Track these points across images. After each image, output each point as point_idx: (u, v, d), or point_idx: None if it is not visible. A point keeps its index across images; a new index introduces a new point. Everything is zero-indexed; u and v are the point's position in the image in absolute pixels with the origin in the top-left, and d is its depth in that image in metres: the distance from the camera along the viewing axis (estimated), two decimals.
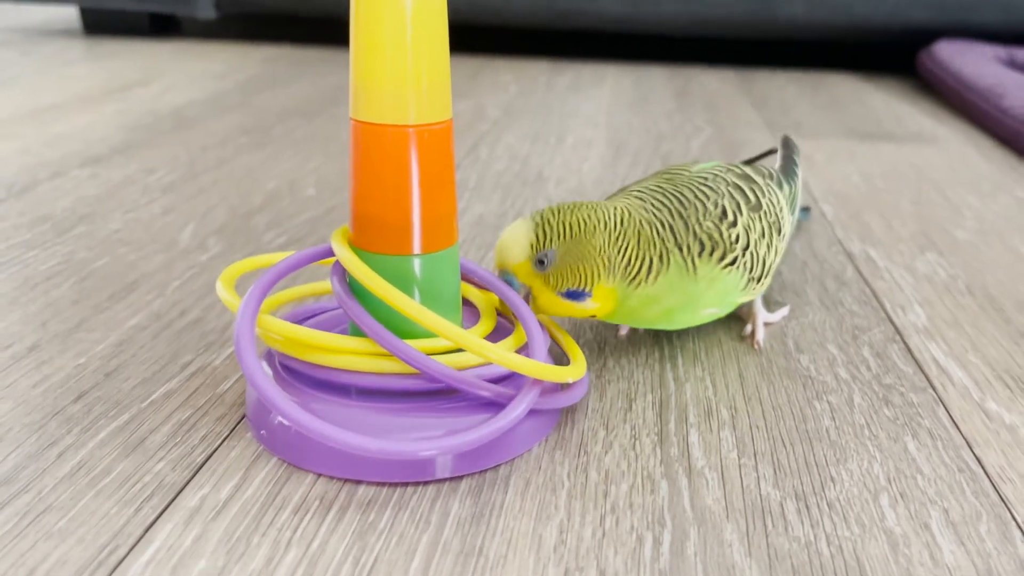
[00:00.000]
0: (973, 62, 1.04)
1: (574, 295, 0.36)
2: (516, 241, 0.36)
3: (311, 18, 1.37)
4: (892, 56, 1.30)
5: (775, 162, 0.48)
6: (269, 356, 0.34)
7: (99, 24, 1.38)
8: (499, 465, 0.32)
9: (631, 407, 0.36)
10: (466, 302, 0.38)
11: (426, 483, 0.31)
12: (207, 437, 0.33)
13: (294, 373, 0.33)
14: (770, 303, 0.46)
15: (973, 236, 0.58)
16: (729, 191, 0.40)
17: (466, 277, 0.38)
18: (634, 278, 0.36)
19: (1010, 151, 0.82)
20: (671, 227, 0.37)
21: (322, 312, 0.38)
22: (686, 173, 0.41)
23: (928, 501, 0.30)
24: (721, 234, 0.38)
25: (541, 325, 0.35)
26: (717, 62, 1.30)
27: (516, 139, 0.81)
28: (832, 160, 0.77)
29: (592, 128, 0.86)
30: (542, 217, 0.36)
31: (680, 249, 0.37)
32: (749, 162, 0.51)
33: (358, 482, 0.30)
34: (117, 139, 0.76)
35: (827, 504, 0.30)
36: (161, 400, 0.35)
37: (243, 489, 0.30)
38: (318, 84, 1.03)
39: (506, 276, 0.37)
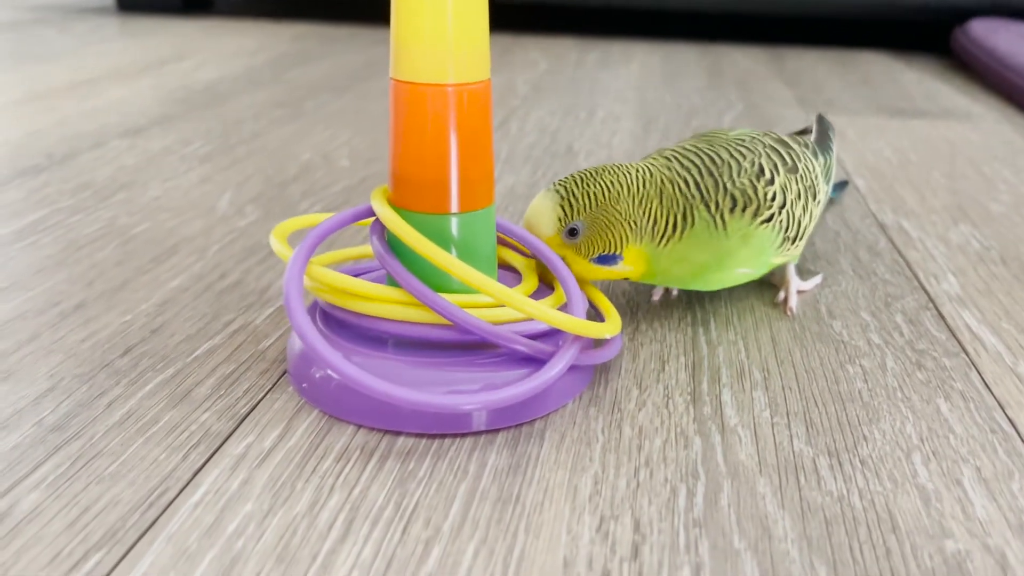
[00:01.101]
0: (1009, 40, 1.03)
1: (605, 259, 0.37)
2: (544, 215, 0.36)
3: None
4: (925, 34, 1.28)
5: (810, 137, 0.48)
6: (310, 310, 0.35)
7: (133, 2, 1.39)
8: (534, 420, 0.32)
9: (664, 368, 0.36)
10: (507, 265, 0.39)
11: (463, 435, 0.31)
12: (250, 390, 0.34)
13: (335, 325, 0.34)
14: (803, 272, 0.46)
15: (1008, 209, 0.57)
16: (766, 152, 0.40)
17: (505, 238, 0.38)
18: (662, 237, 0.37)
19: None
20: (697, 184, 0.37)
21: (365, 273, 0.38)
22: (723, 136, 0.41)
23: (960, 459, 0.31)
24: (756, 191, 0.38)
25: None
26: (747, 40, 1.29)
27: (546, 114, 0.81)
28: (864, 136, 0.76)
29: (621, 104, 0.86)
30: (566, 189, 0.36)
31: (707, 206, 0.37)
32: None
33: (397, 433, 0.31)
34: (154, 112, 0.77)
35: (859, 461, 0.30)
36: (205, 355, 0.36)
37: (286, 438, 0.31)
38: (348, 60, 1.04)
39: None
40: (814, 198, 0.42)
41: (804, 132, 0.53)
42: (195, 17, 1.35)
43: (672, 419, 0.33)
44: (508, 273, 0.38)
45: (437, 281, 0.33)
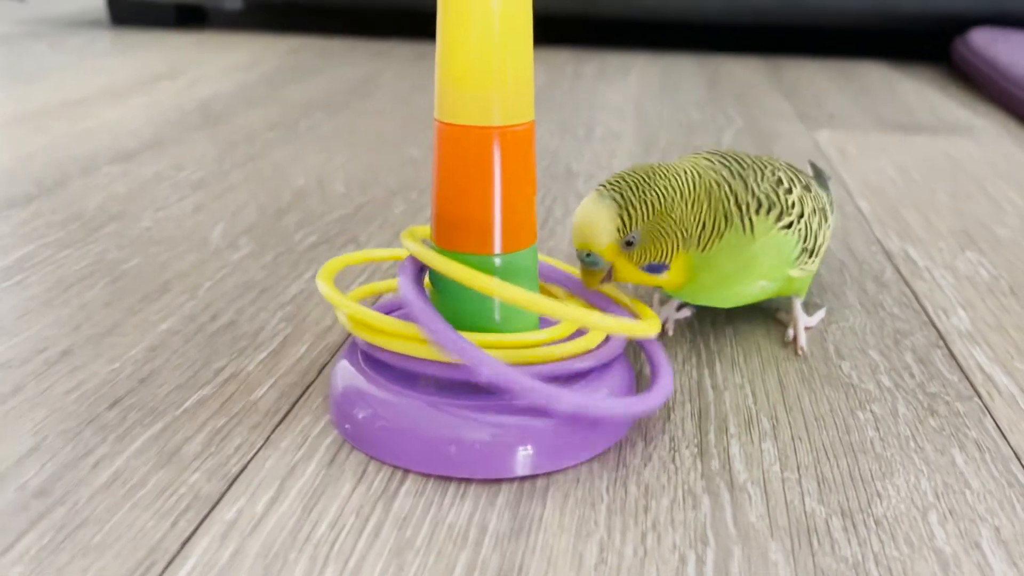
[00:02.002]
0: (1009, 51, 1.02)
1: (654, 268, 0.37)
2: (601, 226, 0.35)
3: (335, 8, 1.37)
4: (923, 44, 1.27)
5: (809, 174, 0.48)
6: (352, 350, 0.35)
7: (126, 15, 1.38)
8: (537, 478, 0.31)
9: (669, 416, 0.35)
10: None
11: (463, 497, 0.30)
12: (241, 447, 0.33)
13: (375, 365, 0.34)
14: (808, 306, 0.45)
15: (1015, 233, 0.56)
16: (783, 168, 0.40)
17: (548, 281, 0.39)
18: (707, 240, 0.37)
19: None
20: (730, 186, 0.37)
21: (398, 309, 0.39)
22: (740, 153, 0.41)
23: (978, 518, 0.30)
24: (779, 196, 0.38)
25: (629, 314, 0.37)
26: (745, 50, 1.28)
27: (544, 132, 0.80)
28: (865, 153, 0.75)
29: (620, 120, 0.85)
30: (623, 196, 0.35)
31: (739, 208, 0.37)
32: None
33: (394, 495, 0.30)
34: (146, 134, 0.76)
35: (874, 521, 0.29)
36: (195, 407, 0.35)
37: (279, 502, 0.30)
38: (343, 76, 1.03)
39: (584, 255, 0.36)
40: (825, 220, 0.41)
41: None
42: (189, 31, 1.34)
43: (679, 475, 0.31)
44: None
45: (479, 321, 0.33)
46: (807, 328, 0.42)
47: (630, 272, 0.37)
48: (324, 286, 0.34)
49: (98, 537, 0.28)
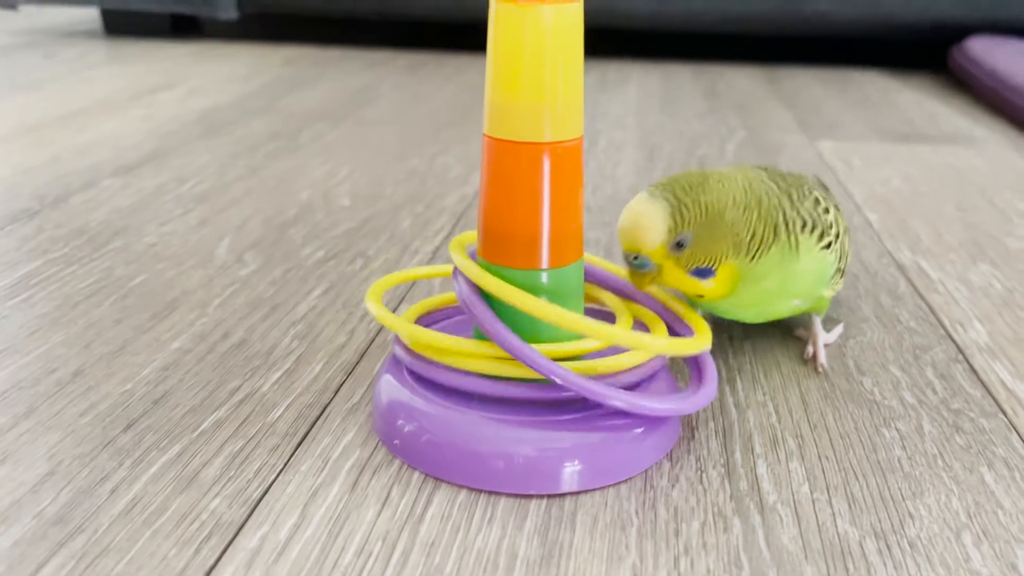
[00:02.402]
0: (1008, 58, 1.02)
1: (701, 272, 0.36)
2: (653, 225, 0.35)
3: (331, 18, 1.36)
4: (921, 52, 1.28)
5: None
6: (395, 365, 0.35)
7: (120, 25, 1.37)
8: (564, 500, 0.31)
9: (694, 435, 0.35)
10: (602, 307, 0.39)
11: (491, 521, 0.30)
12: (261, 470, 0.32)
13: (422, 381, 0.34)
14: (825, 321, 0.45)
15: None
16: (816, 188, 0.40)
17: (604, 285, 0.39)
18: (756, 251, 0.36)
19: None
20: (779, 200, 0.37)
21: (444, 319, 0.39)
22: (771, 168, 0.41)
23: (1012, 539, 0.29)
24: (819, 216, 0.38)
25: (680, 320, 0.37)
26: (742, 59, 1.28)
27: None
28: (870, 163, 0.75)
29: (622, 131, 0.85)
30: (676, 197, 0.35)
31: (786, 224, 0.37)
32: None
33: (420, 519, 0.30)
34: (147, 146, 0.75)
35: (908, 543, 0.29)
36: (212, 430, 0.34)
37: (303, 527, 0.29)
38: (341, 85, 1.02)
39: (632, 258, 0.36)
40: (848, 237, 0.41)
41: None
42: (184, 41, 1.33)
43: (708, 497, 0.31)
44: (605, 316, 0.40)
45: (526, 332, 0.33)
46: (826, 345, 0.42)
47: (677, 277, 0.36)
48: (375, 307, 0.35)
49: (120, 566, 0.27)
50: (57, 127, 0.81)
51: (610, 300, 0.38)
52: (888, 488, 0.32)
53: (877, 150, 0.80)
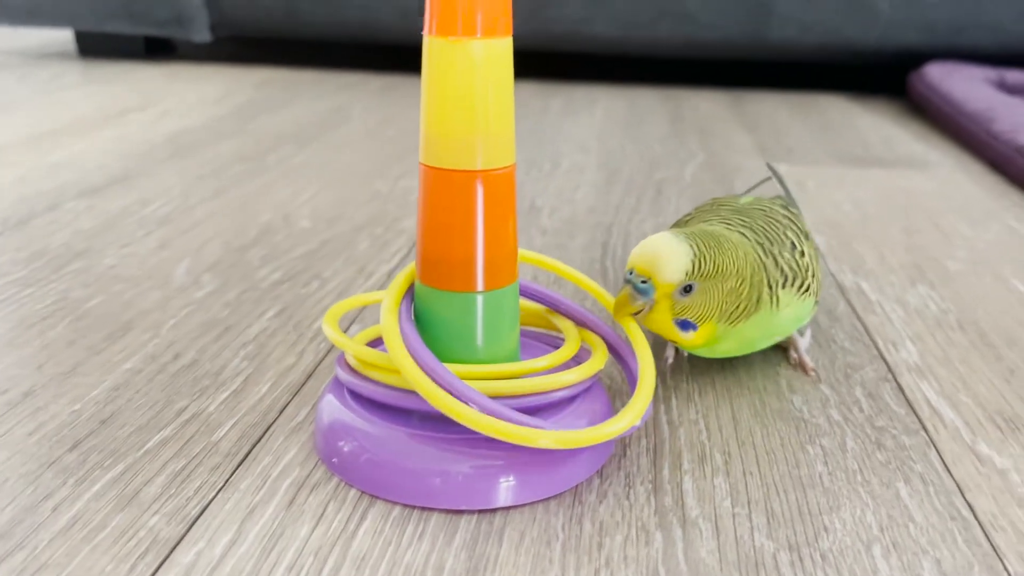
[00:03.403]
0: (963, 84, 1.05)
1: (684, 324, 0.38)
2: (677, 263, 0.36)
3: (304, 40, 1.38)
4: (882, 77, 1.31)
5: (782, 194, 0.50)
6: (337, 387, 0.36)
7: (94, 47, 1.38)
8: (494, 516, 0.32)
9: (625, 453, 0.36)
10: (555, 331, 0.40)
11: (421, 537, 0.31)
12: (201, 488, 0.33)
13: (360, 399, 0.35)
14: None
15: (964, 267, 0.58)
16: (786, 223, 0.42)
17: (556, 308, 0.40)
18: (737, 318, 0.38)
19: (1001, 176, 0.83)
20: (766, 266, 0.39)
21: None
22: (745, 207, 0.43)
23: (920, 551, 0.31)
24: (797, 264, 0.40)
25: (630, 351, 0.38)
26: (710, 83, 1.31)
27: None
28: (823, 187, 0.77)
29: (584, 154, 0.86)
30: (699, 250, 0.36)
31: (769, 287, 0.39)
32: (749, 191, 0.53)
33: (353, 535, 0.31)
34: (114, 168, 0.76)
35: (820, 555, 0.30)
36: (156, 449, 0.35)
37: (238, 544, 0.30)
38: (312, 108, 1.04)
39: (640, 281, 0.37)
40: (817, 256, 0.43)
41: (766, 180, 0.56)
42: (158, 63, 1.34)
43: (633, 512, 0.32)
44: (540, 344, 0.40)
45: (461, 352, 0.34)
46: (806, 350, 0.45)
47: (662, 320, 0.37)
48: (331, 331, 0.36)
49: None
50: (26, 148, 0.82)
51: (562, 324, 0.39)
52: (807, 502, 0.33)
53: (832, 173, 0.82)
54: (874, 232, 0.65)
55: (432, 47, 0.32)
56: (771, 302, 0.39)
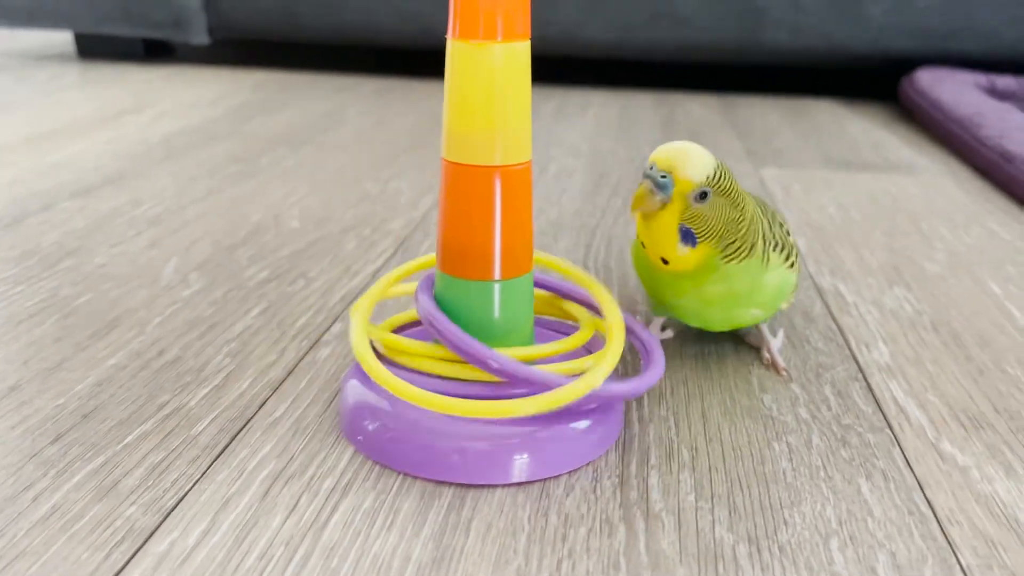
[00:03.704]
0: (953, 90, 1.06)
1: (687, 235, 0.39)
2: (701, 163, 0.38)
3: (301, 43, 1.39)
4: (875, 82, 1.32)
5: None
6: (360, 372, 0.38)
7: (93, 49, 1.39)
8: (463, 508, 0.33)
9: None
10: (571, 318, 0.42)
11: (390, 528, 0.31)
12: (179, 480, 0.34)
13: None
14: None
15: (942, 269, 0.59)
16: (776, 213, 0.44)
17: (571, 298, 0.42)
18: (732, 255, 0.39)
19: (987, 182, 0.84)
20: (763, 224, 0.41)
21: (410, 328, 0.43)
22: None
23: (877, 544, 0.31)
24: (786, 239, 0.42)
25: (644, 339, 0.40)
26: (702, 88, 1.32)
27: None
28: (810, 191, 0.78)
29: (574, 157, 0.87)
30: (722, 168, 0.38)
31: (764, 242, 0.41)
32: None
33: (324, 526, 0.31)
34: (109, 169, 0.77)
35: (778, 548, 0.31)
36: (136, 442, 0.36)
37: (211, 533, 0.31)
38: (306, 110, 1.05)
39: (661, 175, 0.38)
40: (798, 259, 0.45)
41: None
42: (156, 65, 1.35)
43: (599, 505, 0.33)
44: (552, 332, 0.43)
45: (480, 336, 0.36)
46: (779, 350, 0.46)
47: (667, 223, 0.38)
48: (358, 320, 0.38)
49: (34, 568, 0.29)
50: (23, 149, 0.83)
51: (578, 312, 0.41)
52: (769, 497, 0.34)
53: (819, 177, 0.82)
54: (856, 235, 0.66)
55: (455, 50, 0.34)
56: (763, 257, 0.41)
